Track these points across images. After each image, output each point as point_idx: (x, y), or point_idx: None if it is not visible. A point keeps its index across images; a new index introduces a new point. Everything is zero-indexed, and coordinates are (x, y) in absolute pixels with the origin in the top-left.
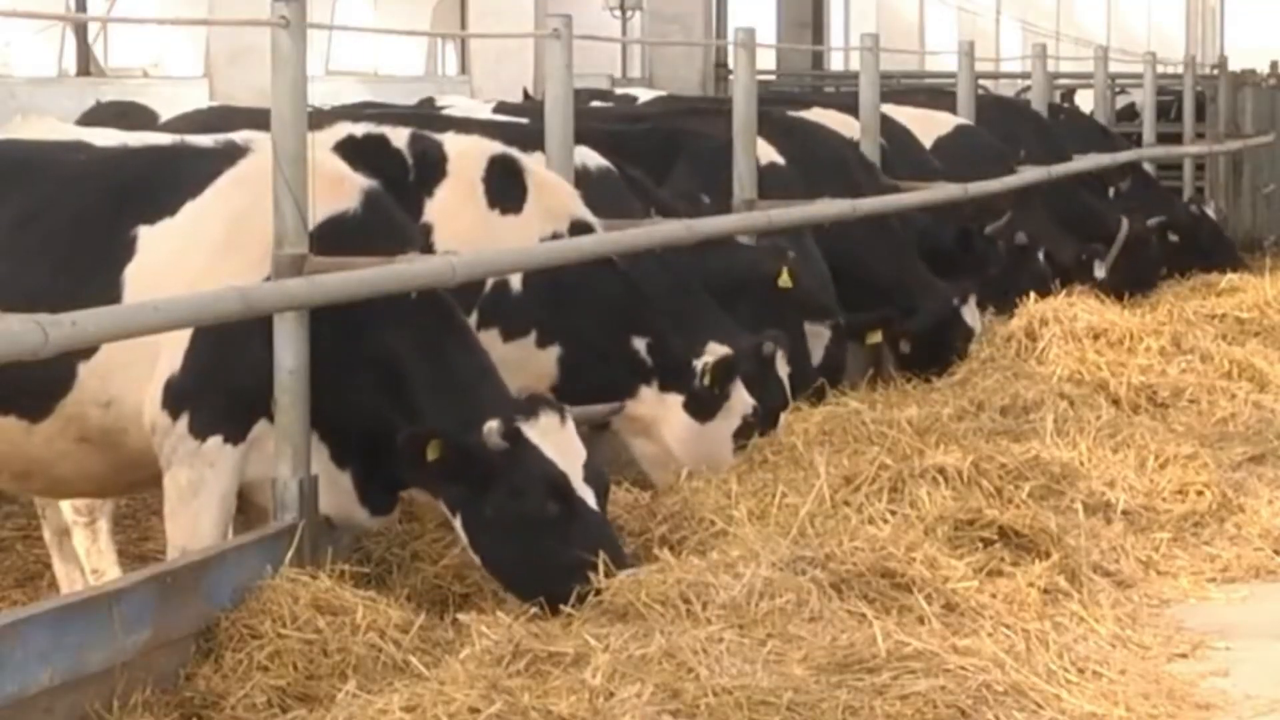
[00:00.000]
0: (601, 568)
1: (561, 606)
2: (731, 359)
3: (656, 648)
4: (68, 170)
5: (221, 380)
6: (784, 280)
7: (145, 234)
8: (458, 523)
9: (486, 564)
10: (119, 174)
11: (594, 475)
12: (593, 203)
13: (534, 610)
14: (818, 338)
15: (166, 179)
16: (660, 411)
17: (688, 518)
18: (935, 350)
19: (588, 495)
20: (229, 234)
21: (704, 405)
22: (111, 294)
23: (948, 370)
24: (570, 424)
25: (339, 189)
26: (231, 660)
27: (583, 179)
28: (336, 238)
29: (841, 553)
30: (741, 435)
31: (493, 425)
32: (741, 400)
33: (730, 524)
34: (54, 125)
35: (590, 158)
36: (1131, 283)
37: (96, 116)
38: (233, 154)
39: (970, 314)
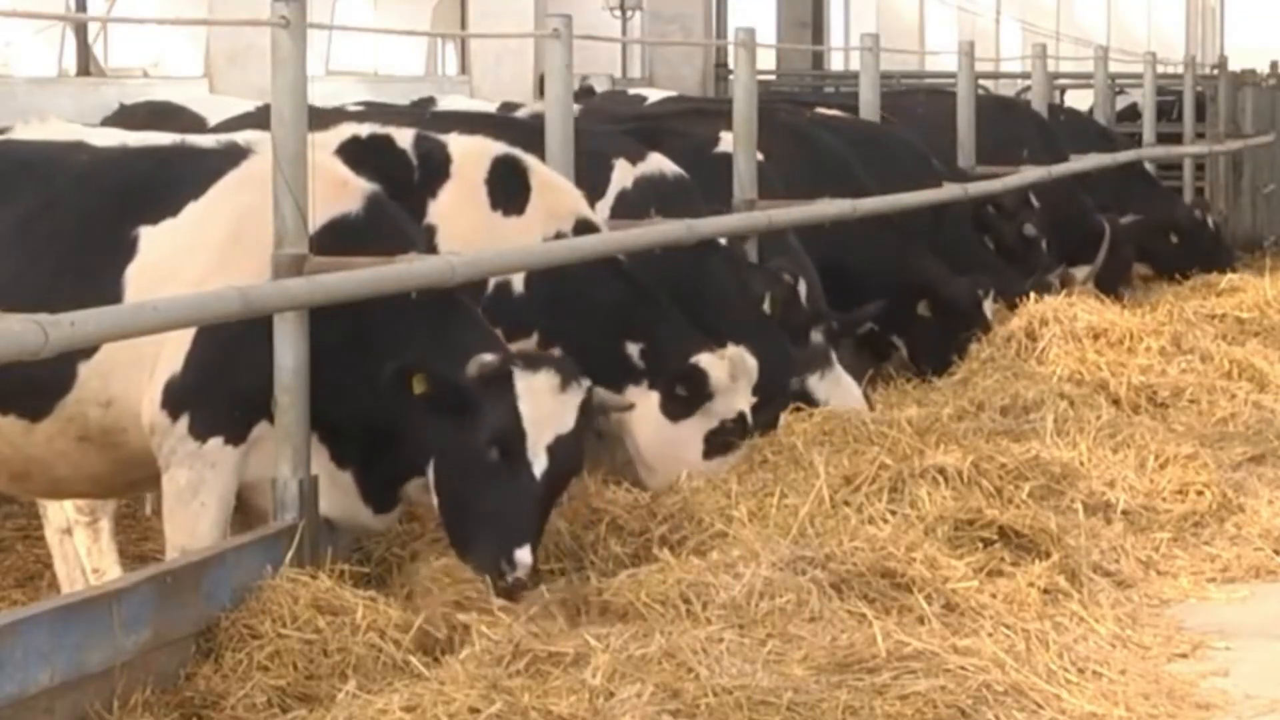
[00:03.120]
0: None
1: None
2: (702, 372)
3: (656, 648)
4: (70, 171)
5: (223, 382)
6: (766, 307)
7: (147, 234)
8: (430, 472)
9: (441, 508)
10: (121, 174)
11: (565, 450)
12: (669, 209)
13: (534, 610)
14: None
15: (168, 179)
16: (638, 409)
17: (688, 518)
18: (952, 338)
19: (539, 463)
20: (232, 235)
21: (677, 402)
22: (113, 294)
23: (948, 370)
24: (574, 394)
25: (342, 192)
26: (231, 660)
27: (659, 185)
28: (339, 241)
29: (841, 553)
30: (737, 435)
31: (484, 358)
32: (728, 405)
33: (730, 524)
34: (66, 127)
35: (666, 165)
36: (1107, 283)
37: (130, 118)
38: (235, 155)
39: (989, 308)
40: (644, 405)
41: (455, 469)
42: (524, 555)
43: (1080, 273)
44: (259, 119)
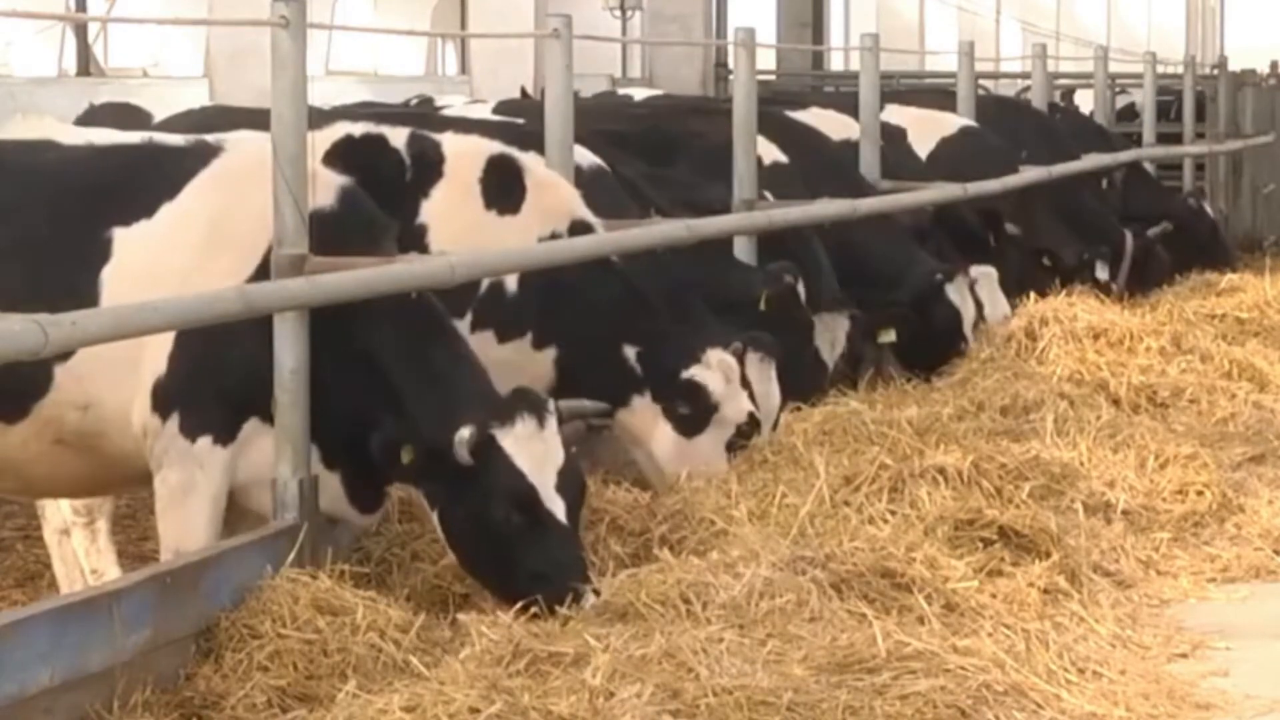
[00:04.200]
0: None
1: (540, 611)
2: (698, 386)
3: (656, 648)
4: (38, 170)
5: (209, 380)
6: (762, 304)
7: (121, 235)
8: (435, 517)
9: (460, 560)
10: (91, 174)
11: (569, 482)
12: (587, 201)
13: (534, 610)
14: (838, 328)
15: (140, 179)
16: (649, 423)
17: (688, 518)
18: (922, 332)
19: (557, 507)
20: (207, 235)
21: (690, 419)
22: (90, 297)
23: (947, 369)
24: (551, 426)
25: (314, 186)
26: (231, 660)
27: (575, 178)
28: (313, 234)
29: (841, 553)
30: (742, 437)
31: (464, 435)
32: (737, 409)
33: (730, 524)
34: (52, 125)
35: (583, 156)
36: (1142, 288)
37: (92, 118)
38: (205, 154)
39: (956, 293)
40: (656, 423)
41: (480, 538)
42: (592, 597)
43: (1100, 270)
44: (202, 118)
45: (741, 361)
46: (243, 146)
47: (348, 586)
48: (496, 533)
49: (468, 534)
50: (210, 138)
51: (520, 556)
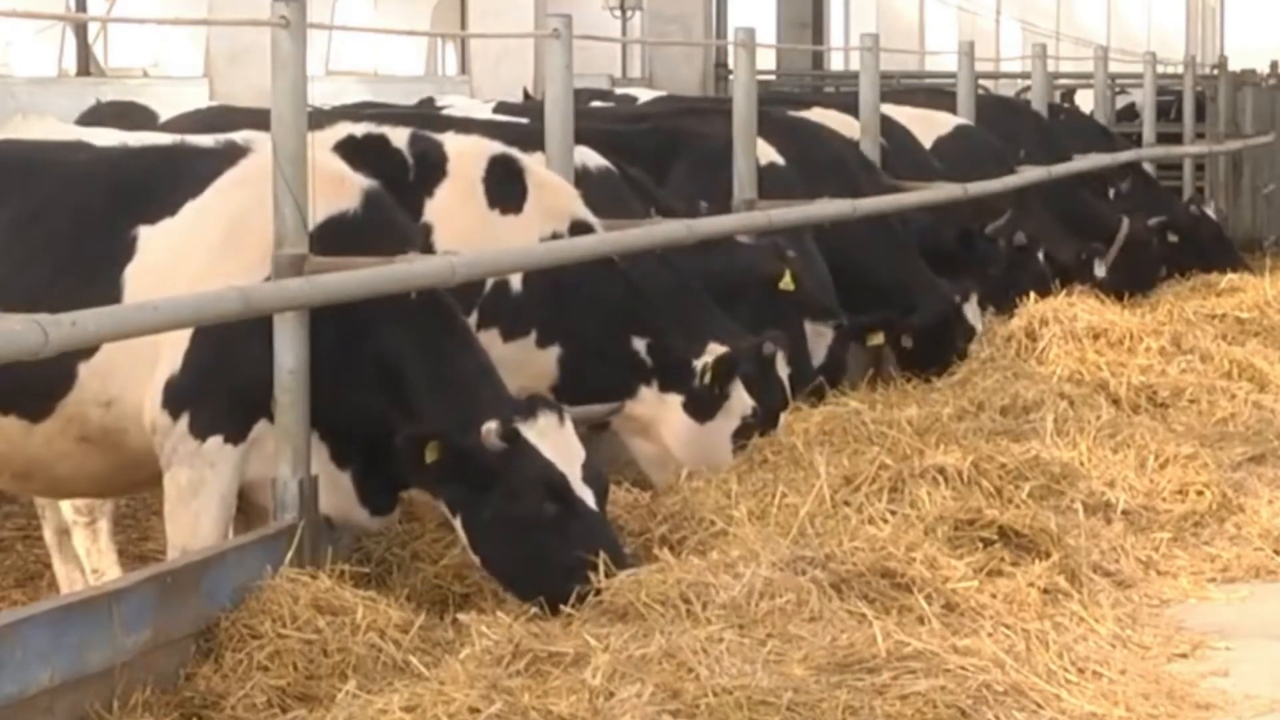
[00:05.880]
0: (602, 568)
1: (562, 606)
2: (731, 357)
3: (656, 648)
4: (68, 170)
5: (221, 380)
6: (785, 282)
7: (146, 234)
8: (457, 523)
9: (486, 564)
10: (119, 174)
11: (593, 475)
12: (592, 202)
13: (534, 610)
14: (820, 337)
15: (167, 179)
16: (660, 412)
17: (688, 518)
18: (937, 347)
19: (587, 495)
20: (229, 234)
21: (704, 405)
22: (112, 294)
23: (947, 370)
24: (569, 424)
25: (339, 189)
26: (231, 660)
27: (582, 179)
28: (337, 238)
29: (841, 553)
30: (741, 435)
31: (491, 426)
32: (740, 401)
33: (730, 524)
34: (53, 125)
35: (590, 157)
36: (1132, 283)
37: (96, 116)
38: (233, 154)
39: (971, 312)
40: (667, 411)
41: (511, 535)
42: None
43: (1099, 269)
44: (208, 117)
45: (774, 359)
46: (270, 148)
47: (348, 586)
48: (529, 526)
49: (497, 534)
50: (239, 138)
51: (557, 548)
